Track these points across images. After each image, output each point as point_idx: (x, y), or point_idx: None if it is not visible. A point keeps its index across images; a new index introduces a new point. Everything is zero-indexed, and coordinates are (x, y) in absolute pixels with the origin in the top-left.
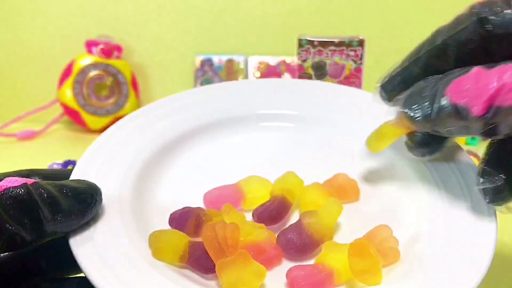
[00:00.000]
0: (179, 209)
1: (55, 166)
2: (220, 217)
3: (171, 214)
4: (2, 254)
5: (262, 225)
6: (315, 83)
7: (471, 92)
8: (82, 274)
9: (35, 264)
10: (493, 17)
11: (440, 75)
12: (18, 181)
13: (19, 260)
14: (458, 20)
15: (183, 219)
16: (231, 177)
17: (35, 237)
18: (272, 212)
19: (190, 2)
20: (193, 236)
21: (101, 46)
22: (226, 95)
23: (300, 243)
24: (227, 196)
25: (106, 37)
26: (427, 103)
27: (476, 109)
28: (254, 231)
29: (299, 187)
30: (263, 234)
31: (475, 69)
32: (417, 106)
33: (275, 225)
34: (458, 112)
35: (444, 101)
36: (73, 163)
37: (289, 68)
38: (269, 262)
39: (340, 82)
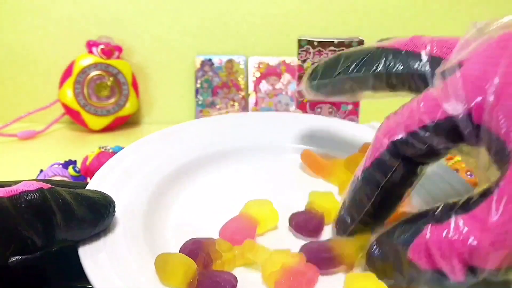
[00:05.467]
0: (190, 242)
1: (56, 166)
2: (232, 252)
3: (181, 248)
4: (11, 259)
5: (288, 250)
6: (316, 118)
7: (439, 253)
8: (87, 285)
9: (41, 273)
10: None
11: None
12: (34, 185)
13: (26, 267)
14: None
15: (193, 255)
16: (243, 201)
17: (46, 243)
18: (312, 227)
19: (190, 3)
20: (203, 269)
21: (101, 47)
22: (241, 125)
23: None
24: (243, 228)
25: (107, 38)
26: (396, 273)
27: (456, 276)
28: (286, 257)
29: (337, 210)
30: (295, 257)
31: (428, 227)
32: (387, 279)
33: (311, 237)
34: (436, 279)
35: (413, 271)
36: (74, 163)
37: (289, 68)
38: (312, 282)
39: None
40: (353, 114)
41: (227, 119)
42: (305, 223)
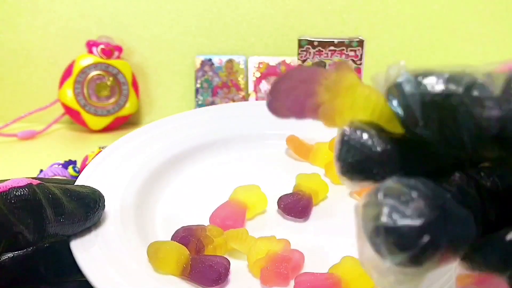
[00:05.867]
0: (181, 229)
1: (56, 166)
2: (222, 237)
3: (172, 236)
4: (3, 257)
5: (273, 236)
6: None
7: None
8: (81, 279)
9: (34, 269)
10: None
11: None
12: (23, 181)
13: (18, 264)
14: None
15: (185, 242)
16: (232, 188)
17: (37, 238)
18: (300, 208)
19: (190, 3)
20: (195, 255)
21: (101, 47)
22: (227, 115)
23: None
24: (233, 213)
25: (107, 38)
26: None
27: None
28: (271, 244)
29: (324, 190)
30: (281, 243)
31: None
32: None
33: (300, 218)
34: None
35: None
36: (73, 163)
37: (289, 68)
38: (298, 267)
39: None
40: None
41: (211, 111)
42: (293, 204)
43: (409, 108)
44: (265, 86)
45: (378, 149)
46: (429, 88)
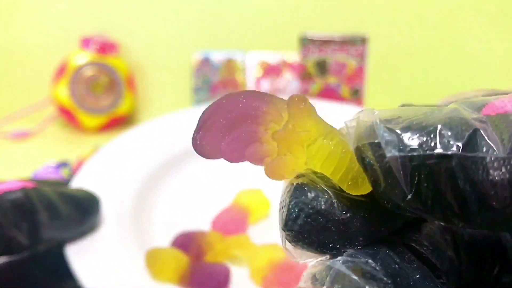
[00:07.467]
0: (180, 235)
1: (49, 167)
2: (224, 243)
3: (173, 242)
4: None
5: (276, 244)
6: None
7: None
8: (77, 284)
9: (29, 274)
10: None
11: None
12: (17, 184)
13: (14, 268)
14: None
15: (184, 248)
16: (234, 191)
17: (31, 242)
18: None
19: None
20: (195, 262)
21: (96, 44)
22: None
23: None
24: (235, 218)
25: (102, 34)
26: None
27: None
28: (274, 252)
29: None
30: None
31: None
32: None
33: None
34: None
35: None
36: (67, 164)
37: (290, 67)
38: (301, 277)
39: (343, 82)
40: None
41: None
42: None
43: (391, 177)
44: (265, 85)
45: (337, 217)
46: (416, 147)
